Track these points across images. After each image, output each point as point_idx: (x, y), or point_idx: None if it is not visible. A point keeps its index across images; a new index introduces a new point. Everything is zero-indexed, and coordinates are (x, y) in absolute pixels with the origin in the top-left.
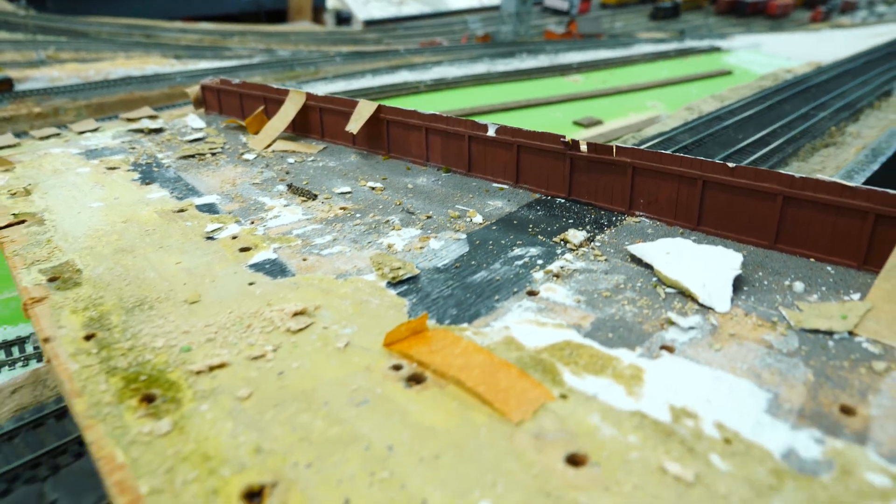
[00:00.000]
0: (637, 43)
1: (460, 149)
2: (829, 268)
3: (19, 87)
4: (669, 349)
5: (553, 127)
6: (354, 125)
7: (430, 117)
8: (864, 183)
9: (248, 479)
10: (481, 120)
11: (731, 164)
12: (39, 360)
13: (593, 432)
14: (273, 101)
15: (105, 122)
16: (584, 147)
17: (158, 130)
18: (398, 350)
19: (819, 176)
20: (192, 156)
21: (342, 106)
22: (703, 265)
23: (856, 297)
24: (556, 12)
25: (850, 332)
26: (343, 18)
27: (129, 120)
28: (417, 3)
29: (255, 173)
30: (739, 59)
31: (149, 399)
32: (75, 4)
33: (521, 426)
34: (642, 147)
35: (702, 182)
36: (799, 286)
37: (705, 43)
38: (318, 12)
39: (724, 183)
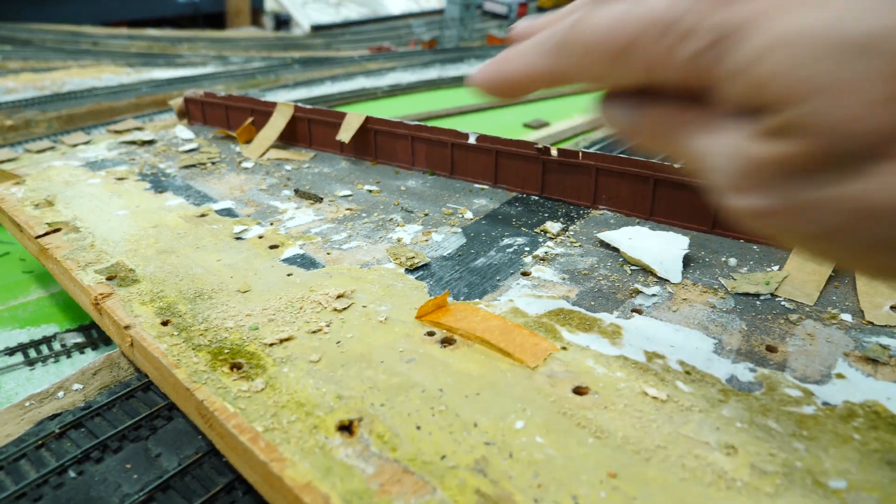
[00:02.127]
0: None
1: (444, 154)
2: (755, 247)
3: None
4: (639, 311)
5: (506, 128)
6: (346, 135)
7: (416, 127)
8: None
9: (338, 416)
10: (440, 123)
11: (676, 165)
12: (69, 356)
13: (590, 371)
14: (260, 112)
15: (94, 135)
16: (554, 152)
17: (151, 142)
18: (428, 320)
19: None
20: (194, 165)
21: (328, 117)
22: (659, 247)
23: (776, 268)
24: (495, 16)
25: (772, 294)
26: (282, 21)
27: (117, 132)
28: (356, 5)
29: (258, 180)
30: None
31: (237, 366)
32: (6, 11)
33: (537, 370)
34: (594, 148)
35: (653, 180)
36: (733, 261)
37: None
38: (256, 15)
39: (670, 180)
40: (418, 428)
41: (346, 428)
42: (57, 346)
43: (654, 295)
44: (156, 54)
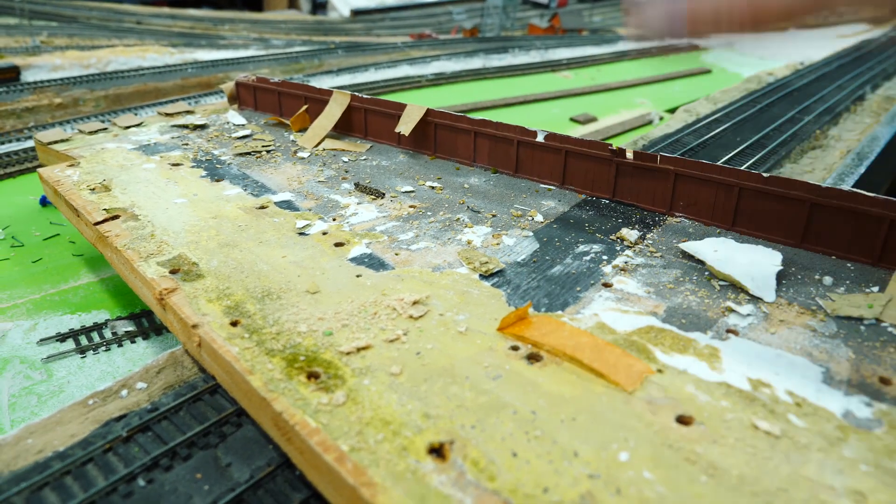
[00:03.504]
0: (620, 40)
1: (508, 152)
2: (849, 265)
3: (26, 75)
4: (734, 332)
5: (552, 122)
6: (405, 127)
7: (479, 122)
8: (854, 184)
9: (428, 437)
10: (486, 115)
11: (764, 174)
12: (120, 345)
13: (692, 398)
14: (314, 100)
15: (142, 116)
16: (629, 154)
17: (203, 126)
18: (511, 333)
19: (842, 186)
20: (249, 153)
21: (387, 108)
22: (748, 261)
23: (875, 289)
24: (535, 5)
25: (877, 319)
26: (318, 4)
27: (167, 115)
28: None
29: (315, 171)
30: (717, 58)
31: (314, 376)
32: None
33: (634, 394)
34: (654, 148)
35: (738, 188)
36: (828, 280)
37: (684, 41)
38: None
39: (757, 189)
40: (514, 455)
41: (437, 451)
42: (108, 333)
43: (748, 315)
44: (198, 34)
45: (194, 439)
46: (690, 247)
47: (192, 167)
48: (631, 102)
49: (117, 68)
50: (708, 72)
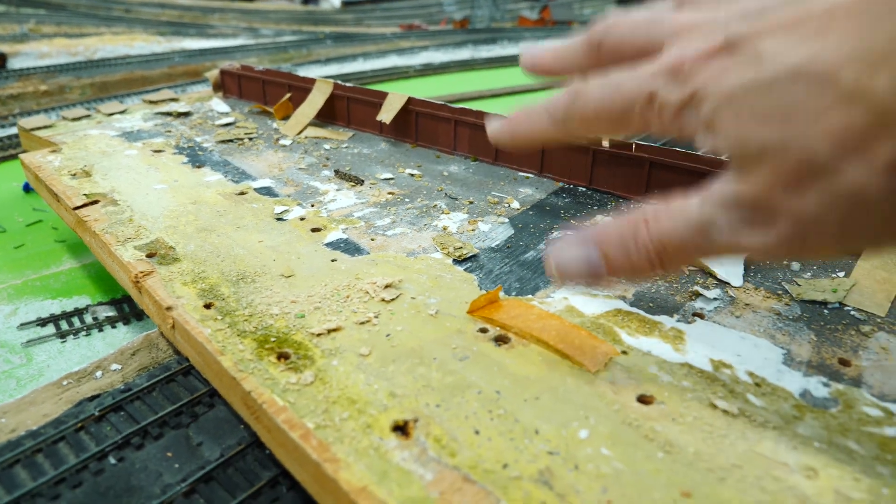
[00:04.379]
0: None
1: (487, 140)
2: None
3: (12, 62)
4: (700, 316)
5: None
6: (387, 115)
7: (460, 111)
8: None
9: (393, 415)
10: (473, 106)
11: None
12: (100, 329)
13: (654, 379)
14: (298, 88)
15: (127, 104)
16: (605, 143)
17: (187, 114)
18: (480, 316)
19: None
20: (231, 140)
21: (369, 96)
22: None
23: (841, 274)
24: None
25: (840, 303)
26: None
27: (152, 102)
28: None
29: (297, 158)
30: None
31: (284, 356)
32: None
33: (598, 375)
34: (635, 139)
35: (708, 175)
36: (795, 265)
37: None
38: None
39: None
40: (477, 432)
41: (401, 429)
42: (89, 318)
43: (715, 299)
44: (187, 23)
45: (166, 419)
46: None
47: (174, 154)
48: None
49: (105, 56)
50: None
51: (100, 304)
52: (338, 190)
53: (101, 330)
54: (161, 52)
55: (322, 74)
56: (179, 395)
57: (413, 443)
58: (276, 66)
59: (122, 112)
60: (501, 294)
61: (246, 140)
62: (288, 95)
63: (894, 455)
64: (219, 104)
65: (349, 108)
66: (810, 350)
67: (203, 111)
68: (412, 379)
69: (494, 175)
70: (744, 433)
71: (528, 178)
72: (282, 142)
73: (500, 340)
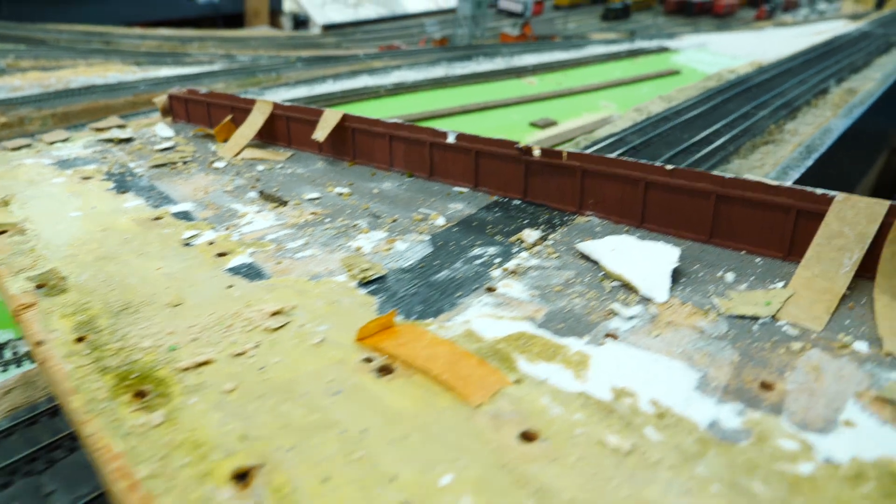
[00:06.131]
0: (589, 44)
1: (422, 155)
2: (757, 259)
3: None
4: (613, 336)
5: (511, 128)
6: (321, 133)
7: (394, 126)
8: (799, 178)
9: (237, 462)
10: (441, 122)
11: (668, 167)
12: (18, 364)
13: (544, 412)
14: (240, 110)
15: (75, 132)
16: (536, 152)
17: (128, 140)
18: (369, 344)
19: (747, 175)
20: (164, 164)
21: (308, 115)
22: (645, 259)
23: (780, 284)
24: (510, 14)
25: (773, 317)
26: (300, 21)
27: (99, 130)
28: (374, 5)
29: (226, 181)
30: (688, 59)
31: (141, 394)
32: (32, 11)
33: (480, 409)
34: (594, 148)
35: (644, 183)
36: (730, 276)
37: (654, 43)
38: (275, 16)
39: (663, 184)
40: (325, 480)
41: (243, 476)
42: (8, 353)
43: (633, 317)
44: (165, 53)
45: (17, 466)
46: (586, 246)
47: (103, 180)
48: (595, 105)
49: (77, 87)
50: (677, 73)
51: (21, 338)
52: (258, 212)
53: (19, 365)
54: (131, 80)
55: (290, 97)
56: (41, 438)
57: (250, 493)
58: (243, 90)
59: (64, 140)
60: (397, 318)
61: (179, 164)
62: (229, 117)
63: (805, 499)
64: (163, 129)
65: (289, 127)
66: (730, 372)
67: (147, 137)
68: (272, 418)
69: (428, 191)
70: (632, 475)
71: (462, 192)
72: (216, 164)
73: (384, 371)
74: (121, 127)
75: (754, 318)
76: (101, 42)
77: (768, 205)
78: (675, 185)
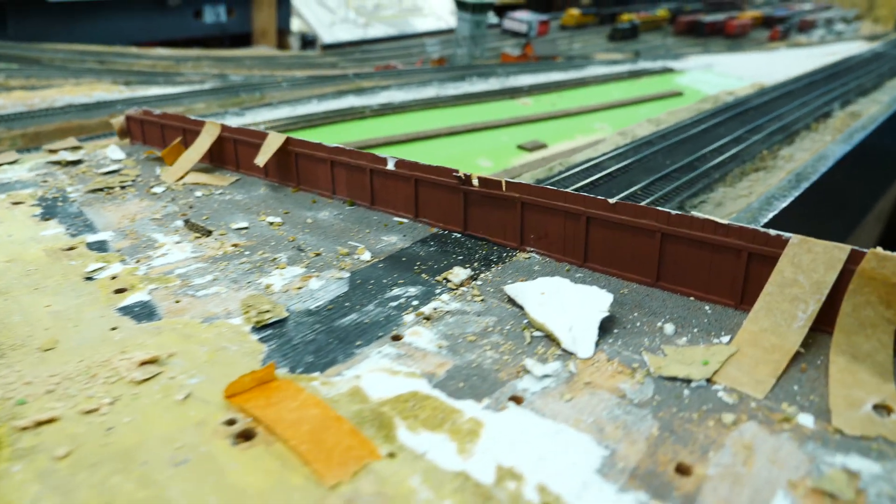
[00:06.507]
0: (590, 65)
1: (363, 182)
2: (707, 307)
3: None
4: (518, 400)
5: (498, 150)
6: (262, 158)
7: (335, 150)
8: (784, 209)
9: None
10: (426, 144)
11: (611, 201)
12: None
13: (409, 496)
14: (192, 132)
15: (27, 154)
16: (475, 181)
17: (77, 162)
18: (237, 403)
19: (694, 213)
20: (101, 189)
21: (254, 137)
22: (575, 306)
23: (726, 339)
24: (514, 34)
25: (709, 380)
26: (308, 41)
27: (51, 151)
28: (383, 24)
29: (158, 208)
30: (692, 80)
31: None
32: (39, 31)
33: (337, 489)
34: (568, 174)
35: (585, 218)
36: (669, 328)
37: (658, 64)
38: (283, 35)
39: (605, 219)
40: None
41: None
42: None
43: (547, 376)
44: (158, 73)
45: None
46: (514, 289)
47: (32, 205)
48: (589, 128)
49: (58, 107)
50: (680, 94)
51: None
52: (177, 243)
53: None
54: (110, 100)
55: (272, 118)
56: None
57: None
58: (223, 110)
59: (11, 162)
60: (281, 371)
61: (117, 189)
62: (178, 140)
63: None
64: (115, 151)
65: (237, 150)
66: (644, 450)
67: (97, 159)
68: (95, 494)
69: (366, 221)
70: None
71: (401, 223)
72: (154, 189)
73: (244, 437)
74: (75, 149)
75: (687, 381)
76: (96, 61)
77: (718, 245)
78: (617, 220)
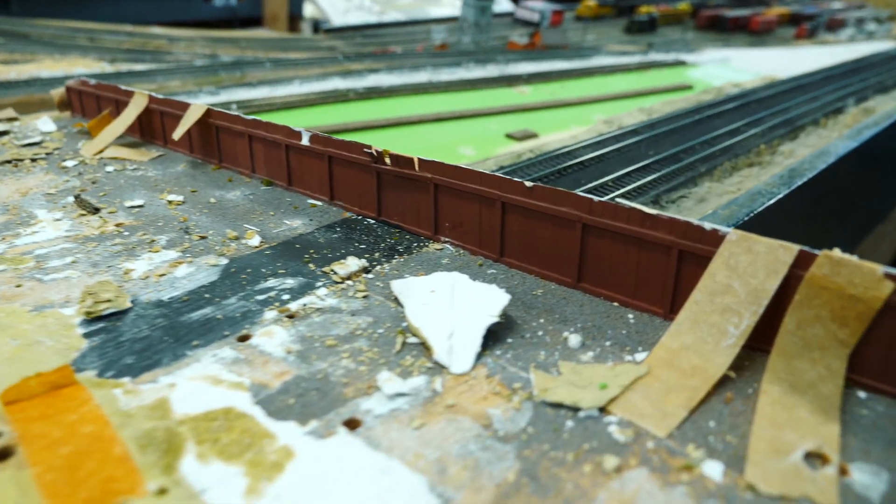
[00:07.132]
0: (597, 55)
1: (280, 159)
2: (630, 315)
3: None
4: (354, 424)
5: (483, 139)
6: (179, 131)
7: (252, 123)
8: (771, 208)
9: None
10: (409, 129)
11: (527, 184)
12: None
13: None
14: (123, 103)
15: None
16: (387, 159)
17: (3, 133)
18: (11, 412)
19: (620, 201)
20: (9, 161)
21: (180, 109)
22: (464, 309)
23: (642, 356)
24: (527, 24)
25: (602, 409)
26: (319, 27)
27: None
28: (399, 13)
29: (59, 182)
30: (704, 73)
31: None
32: (43, 8)
33: None
34: (535, 162)
35: (501, 203)
36: (575, 340)
37: (670, 56)
38: (294, 20)
39: (522, 205)
40: None
41: None
42: None
43: (400, 395)
44: (147, 51)
45: None
46: (400, 285)
47: None
48: (588, 119)
49: (20, 80)
50: (689, 87)
51: None
52: (56, 220)
53: None
54: (78, 74)
55: (249, 97)
56: None
57: None
58: (198, 88)
59: None
60: (91, 375)
61: (27, 161)
62: (107, 111)
63: None
64: (46, 123)
65: (164, 123)
66: (488, 502)
67: (24, 131)
68: None
69: (276, 203)
70: None
71: (315, 206)
72: (66, 163)
73: (2, 455)
74: (11, 120)
75: (575, 409)
76: (87, 38)
77: (646, 241)
78: (535, 207)
